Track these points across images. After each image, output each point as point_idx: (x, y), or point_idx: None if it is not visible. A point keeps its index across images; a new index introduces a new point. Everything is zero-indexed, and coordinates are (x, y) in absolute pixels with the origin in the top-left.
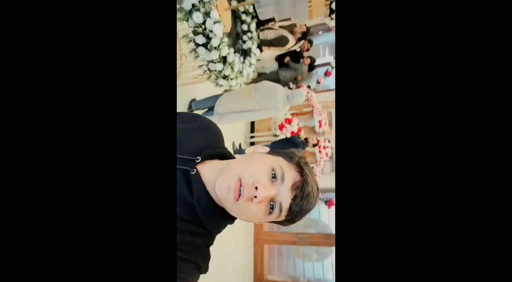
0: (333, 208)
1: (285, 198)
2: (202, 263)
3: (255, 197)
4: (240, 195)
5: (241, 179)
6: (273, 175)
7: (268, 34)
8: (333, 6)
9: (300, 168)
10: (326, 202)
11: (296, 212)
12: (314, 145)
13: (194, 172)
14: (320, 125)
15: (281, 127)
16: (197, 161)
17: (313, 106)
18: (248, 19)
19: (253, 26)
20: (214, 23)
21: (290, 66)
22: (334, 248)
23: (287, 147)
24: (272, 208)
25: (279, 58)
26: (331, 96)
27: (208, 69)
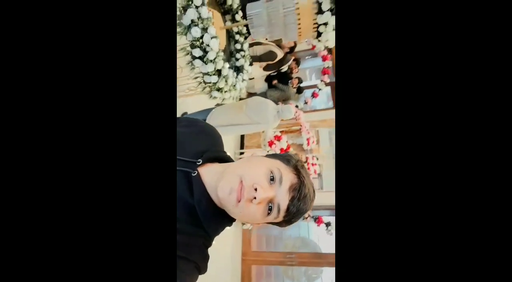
0: (322, 225)
1: (283, 200)
2: (201, 262)
3: (255, 198)
4: (241, 196)
5: (242, 181)
6: (272, 177)
7: (257, 50)
8: (320, 29)
9: (297, 170)
10: (315, 220)
11: (293, 212)
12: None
13: (195, 174)
14: (308, 143)
15: (270, 144)
16: (198, 163)
17: (301, 125)
18: (241, 39)
19: (246, 45)
20: (211, 38)
21: (278, 88)
22: (323, 269)
23: None
24: (270, 209)
25: (269, 79)
26: (318, 116)
27: (204, 81)
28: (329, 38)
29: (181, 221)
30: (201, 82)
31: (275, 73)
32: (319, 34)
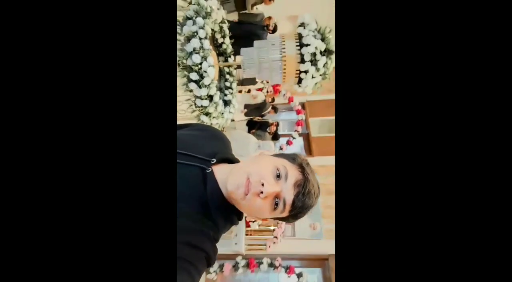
0: (293, 276)
1: (289, 194)
2: (211, 253)
3: (262, 192)
4: (248, 190)
5: (249, 177)
6: (278, 174)
7: (240, 73)
8: (302, 76)
9: (302, 168)
10: (286, 270)
11: (299, 207)
12: None
13: (209, 171)
14: None
15: None
16: (212, 162)
17: None
18: (231, 79)
19: (234, 85)
20: (209, 66)
21: (256, 134)
22: None
23: None
24: (276, 204)
25: (249, 125)
26: None
27: (195, 104)
28: (308, 84)
29: (194, 211)
30: (191, 105)
31: (255, 119)
32: (300, 80)
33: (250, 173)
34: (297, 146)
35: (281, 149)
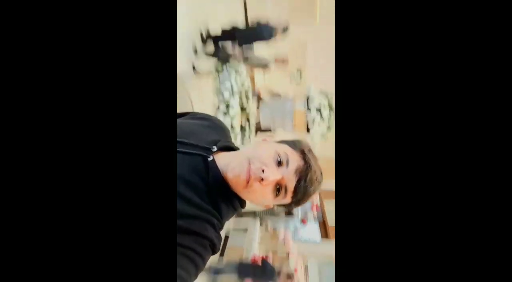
0: None
1: (290, 181)
2: (216, 241)
3: (262, 179)
4: (249, 177)
5: (250, 163)
6: (279, 160)
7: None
8: (309, 125)
9: (304, 154)
10: None
11: (301, 193)
12: (289, 277)
13: (211, 159)
14: (296, 272)
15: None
16: (213, 150)
17: (289, 252)
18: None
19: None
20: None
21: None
22: None
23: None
24: (278, 190)
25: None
26: (308, 248)
27: None
28: (315, 133)
29: (198, 200)
30: None
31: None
32: (308, 130)
33: (251, 158)
34: (315, 230)
35: (302, 221)
